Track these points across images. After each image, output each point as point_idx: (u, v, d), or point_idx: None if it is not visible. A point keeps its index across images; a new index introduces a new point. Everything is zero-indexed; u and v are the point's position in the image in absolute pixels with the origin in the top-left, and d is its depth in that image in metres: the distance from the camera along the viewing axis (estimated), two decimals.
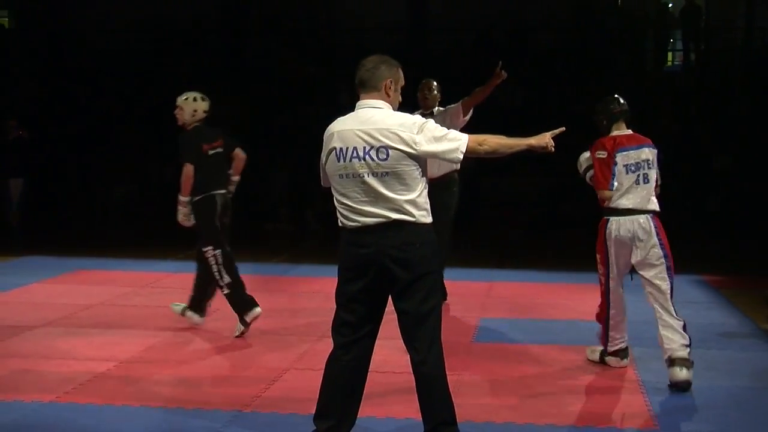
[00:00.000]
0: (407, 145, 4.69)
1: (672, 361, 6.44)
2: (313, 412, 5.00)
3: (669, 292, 6.64)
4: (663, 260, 6.64)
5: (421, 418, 4.93)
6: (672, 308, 6.61)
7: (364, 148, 4.71)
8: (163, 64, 19.46)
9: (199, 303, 8.16)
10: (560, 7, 19.80)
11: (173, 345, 7.67)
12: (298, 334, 8.05)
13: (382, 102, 4.86)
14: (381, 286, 4.82)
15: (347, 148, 4.74)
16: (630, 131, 6.84)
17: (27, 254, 12.55)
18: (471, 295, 9.67)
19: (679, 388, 6.38)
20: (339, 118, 4.91)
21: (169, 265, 11.65)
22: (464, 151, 4.73)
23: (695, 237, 14.78)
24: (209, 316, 8.62)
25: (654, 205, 6.72)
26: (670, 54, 21.44)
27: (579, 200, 16.39)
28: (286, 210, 16.28)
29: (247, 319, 7.86)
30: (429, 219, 4.80)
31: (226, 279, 7.87)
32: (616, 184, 6.63)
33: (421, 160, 4.74)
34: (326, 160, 4.86)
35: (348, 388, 4.96)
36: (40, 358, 7.13)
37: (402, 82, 4.97)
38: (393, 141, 4.68)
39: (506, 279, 10.94)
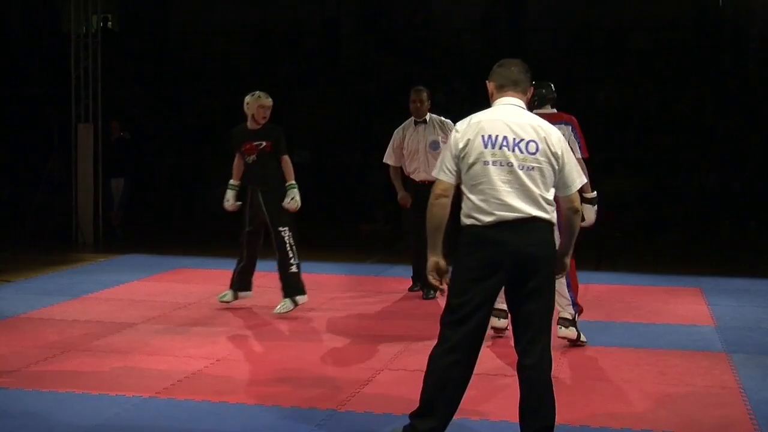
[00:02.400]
0: (551, 146, 4.76)
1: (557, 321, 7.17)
2: (407, 412, 4.99)
3: None
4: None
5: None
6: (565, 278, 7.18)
7: (514, 139, 4.75)
8: (263, 67, 19.71)
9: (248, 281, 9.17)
10: (660, 5, 19.46)
11: (269, 343, 7.75)
12: (393, 334, 8.06)
13: (523, 104, 4.95)
14: (505, 284, 4.82)
15: (497, 136, 4.76)
16: (554, 110, 7.44)
17: (128, 252, 12.83)
18: None
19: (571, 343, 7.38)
20: (478, 113, 4.92)
21: (265, 265, 11.75)
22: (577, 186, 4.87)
23: None
24: (302, 316, 8.72)
25: None
26: None
27: (677, 202, 16.14)
28: (382, 211, 16.32)
29: (299, 301, 8.78)
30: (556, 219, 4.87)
31: (296, 260, 8.84)
32: None
33: (556, 165, 4.79)
34: (466, 149, 4.80)
35: (454, 386, 4.89)
36: (140, 354, 7.27)
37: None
38: (541, 139, 4.75)
39: (603, 282, 10.76)
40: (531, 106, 6.90)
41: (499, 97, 4.95)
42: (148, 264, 11.80)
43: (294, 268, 8.85)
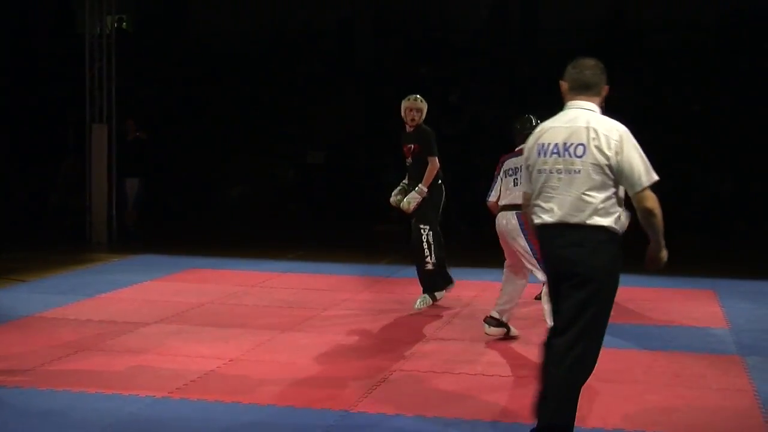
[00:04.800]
0: (602, 148, 4.72)
1: None
2: (420, 413, 4.99)
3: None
4: (526, 250, 7.41)
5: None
6: None
7: (564, 144, 4.79)
8: (278, 68, 19.76)
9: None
10: (676, 7, 19.41)
11: (282, 343, 7.75)
12: (405, 335, 8.05)
13: (595, 106, 4.93)
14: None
15: (548, 144, 4.85)
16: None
17: (142, 253, 12.86)
18: None
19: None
20: (551, 118, 5.02)
21: (279, 266, 11.80)
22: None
23: None
24: (316, 315, 8.73)
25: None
26: None
27: (693, 204, 16.07)
28: (396, 211, 16.30)
29: (437, 296, 9.01)
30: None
31: (432, 258, 8.89)
32: (493, 192, 7.82)
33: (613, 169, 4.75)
34: (529, 159, 4.98)
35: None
36: (154, 354, 7.28)
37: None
38: (590, 140, 4.74)
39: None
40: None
41: (570, 100, 4.98)
42: (161, 264, 11.83)
43: (429, 266, 8.94)
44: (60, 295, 9.69)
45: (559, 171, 4.79)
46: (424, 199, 8.92)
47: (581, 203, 4.73)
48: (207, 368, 6.85)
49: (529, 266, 7.49)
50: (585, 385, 6.32)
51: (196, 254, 12.64)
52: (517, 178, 7.46)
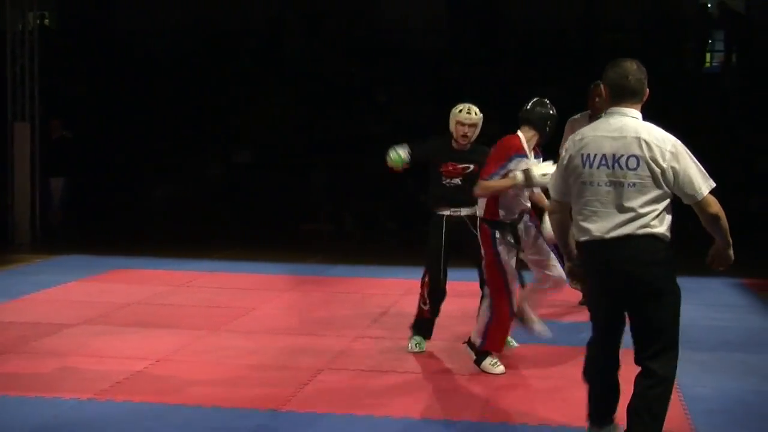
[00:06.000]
0: (656, 159, 4.56)
1: None
2: (350, 411, 4.99)
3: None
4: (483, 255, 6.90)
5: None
6: None
7: (614, 155, 4.61)
8: (206, 65, 19.59)
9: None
10: (598, 8, 19.73)
11: (209, 343, 7.69)
12: (334, 334, 8.05)
13: (638, 113, 4.73)
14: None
15: (595, 155, 4.66)
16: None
17: (67, 253, 12.67)
18: None
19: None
20: (586, 126, 4.87)
21: (206, 265, 11.71)
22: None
23: (737, 239, 14.61)
24: (243, 315, 8.69)
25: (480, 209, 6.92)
26: (708, 55, 21.25)
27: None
28: (324, 211, 16.31)
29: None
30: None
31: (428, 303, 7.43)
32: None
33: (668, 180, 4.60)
34: (569, 168, 4.79)
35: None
36: (79, 356, 7.18)
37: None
38: (643, 152, 4.57)
39: None
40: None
41: (612, 106, 4.77)
42: (86, 264, 11.66)
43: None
44: None
45: (608, 184, 4.61)
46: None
47: (635, 215, 4.58)
48: (133, 369, 6.77)
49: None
50: (509, 382, 6.37)
51: (121, 254, 12.49)
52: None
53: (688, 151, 4.63)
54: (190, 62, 19.79)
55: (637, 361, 4.80)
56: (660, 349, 4.76)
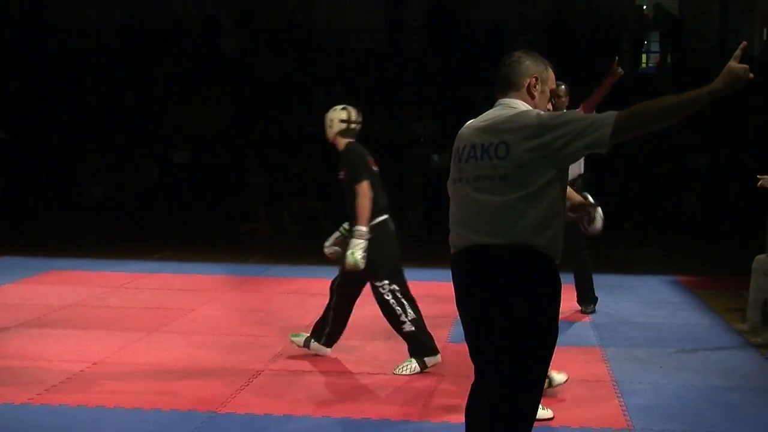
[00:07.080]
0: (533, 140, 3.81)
1: None
2: (288, 412, 4.99)
3: None
4: None
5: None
6: None
7: (482, 145, 3.89)
8: (141, 65, 19.42)
9: (328, 334, 7.16)
10: (536, 7, 19.91)
11: (148, 345, 7.63)
12: (273, 335, 8.03)
13: (522, 103, 4.01)
14: None
15: (464, 147, 3.96)
16: None
17: (1, 254, 12.46)
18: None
19: None
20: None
21: (144, 266, 11.61)
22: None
23: (671, 237, 14.89)
24: (181, 317, 8.63)
25: None
26: (644, 56, 21.56)
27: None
28: (262, 210, 16.25)
29: (428, 364, 6.84)
30: None
31: (411, 315, 6.83)
32: None
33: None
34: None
35: None
36: (13, 358, 7.07)
37: (552, 84, 4.10)
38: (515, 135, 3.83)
39: None
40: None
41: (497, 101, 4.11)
42: (20, 266, 11.48)
43: (409, 327, 6.86)
44: None
45: (477, 178, 3.88)
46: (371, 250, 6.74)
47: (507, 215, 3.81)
48: (70, 372, 6.69)
49: None
50: (448, 383, 6.41)
51: (57, 255, 12.32)
52: None
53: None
54: (125, 61, 19.61)
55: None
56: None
